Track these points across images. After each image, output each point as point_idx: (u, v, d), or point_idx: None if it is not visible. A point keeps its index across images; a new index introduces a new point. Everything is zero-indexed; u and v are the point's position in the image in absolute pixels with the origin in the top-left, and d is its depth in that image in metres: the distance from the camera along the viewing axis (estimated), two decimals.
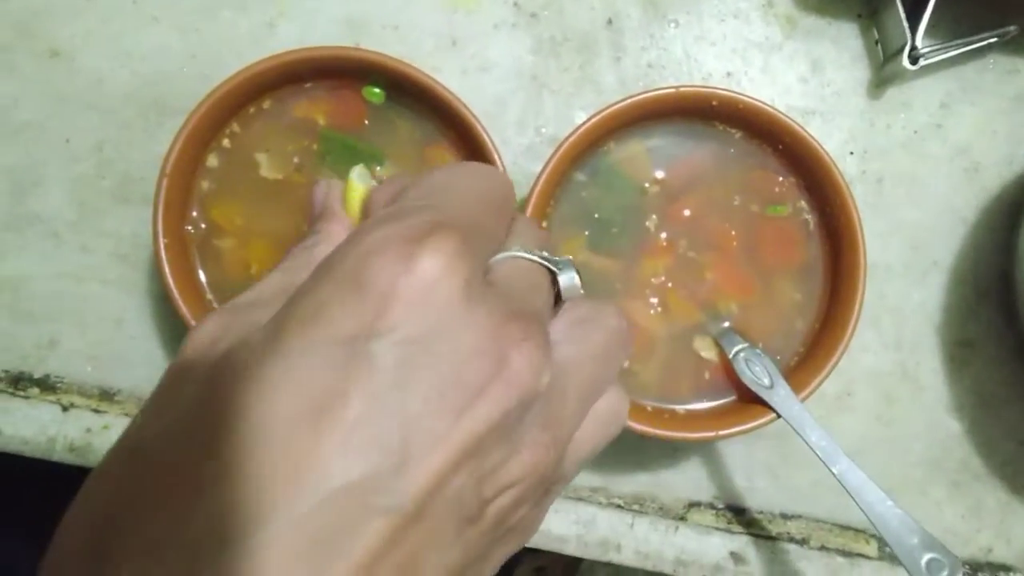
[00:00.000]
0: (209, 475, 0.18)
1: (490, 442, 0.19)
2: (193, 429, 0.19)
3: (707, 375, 0.43)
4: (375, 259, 0.20)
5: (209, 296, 0.42)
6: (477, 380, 0.19)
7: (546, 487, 0.22)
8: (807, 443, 0.40)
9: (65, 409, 0.47)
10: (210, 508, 0.17)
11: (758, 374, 0.41)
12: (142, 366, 0.48)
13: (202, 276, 0.42)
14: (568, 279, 0.25)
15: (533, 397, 0.20)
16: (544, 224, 0.43)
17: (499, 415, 0.19)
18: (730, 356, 0.42)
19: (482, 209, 0.24)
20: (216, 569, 0.17)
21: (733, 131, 0.43)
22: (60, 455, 0.47)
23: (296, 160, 0.43)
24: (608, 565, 1.36)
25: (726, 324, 0.43)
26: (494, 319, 0.20)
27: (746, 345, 0.42)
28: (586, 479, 0.49)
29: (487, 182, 0.26)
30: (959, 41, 0.48)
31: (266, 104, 0.43)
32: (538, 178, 0.41)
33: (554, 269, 0.25)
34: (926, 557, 0.36)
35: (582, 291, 0.26)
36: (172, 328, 0.48)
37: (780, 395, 0.41)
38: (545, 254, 0.25)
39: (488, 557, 0.21)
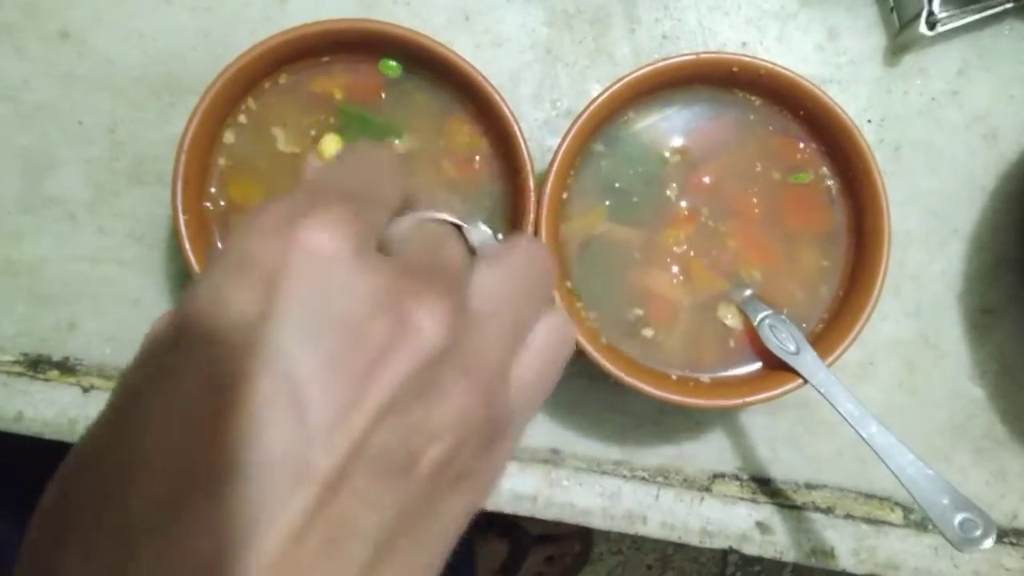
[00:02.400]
0: (137, 460, 0.18)
1: (405, 398, 0.19)
2: (123, 417, 0.20)
3: (732, 343, 0.43)
4: (259, 240, 0.20)
5: None
6: (380, 340, 0.19)
7: (492, 430, 0.22)
8: (836, 408, 0.40)
9: (86, 391, 0.47)
10: (140, 493, 0.18)
11: (784, 340, 0.41)
12: None
13: None
14: (478, 232, 0.25)
15: (442, 347, 0.20)
16: (565, 195, 0.43)
17: (407, 371, 0.19)
18: (755, 323, 0.42)
19: (371, 179, 0.24)
20: (145, 554, 0.17)
21: (753, 98, 0.43)
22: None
23: (313, 134, 0.43)
24: (618, 553, 1.36)
25: (749, 292, 0.43)
26: (389, 278, 0.20)
27: (771, 312, 0.42)
28: (609, 452, 0.49)
29: (375, 154, 0.25)
30: (976, 6, 0.48)
31: (282, 79, 0.42)
32: (557, 150, 0.41)
33: (459, 223, 0.25)
34: (959, 517, 0.36)
35: (499, 237, 0.26)
36: None
37: (807, 361, 0.40)
38: (446, 214, 0.25)
39: (438, 509, 0.21)
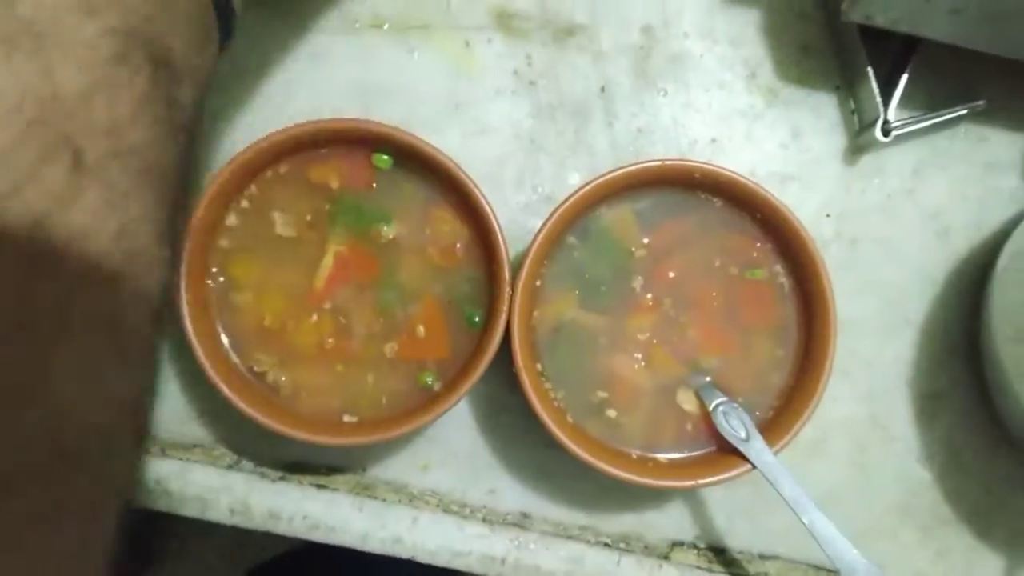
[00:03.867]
0: None
1: None
2: None
3: (689, 427, 0.46)
4: None
5: (227, 346, 0.46)
6: None
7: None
8: (780, 493, 0.43)
9: None
10: None
11: (735, 427, 0.44)
12: (162, 405, 0.51)
13: (220, 328, 0.46)
14: None
15: None
16: (538, 283, 0.46)
17: None
18: (710, 409, 0.45)
19: None
20: None
21: (714, 200, 0.47)
22: None
23: (308, 218, 0.46)
24: None
25: (707, 379, 0.46)
26: None
27: (725, 399, 0.45)
28: (575, 517, 0.52)
29: None
30: (931, 114, 0.52)
31: (283, 168, 0.46)
32: (533, 241, 0.45)
33: None
34: None
35: None
36: (191, 372, 0.51)
37: (755, 447, 0.44)
38: None
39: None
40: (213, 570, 1.27)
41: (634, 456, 0.46)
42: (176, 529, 1.26)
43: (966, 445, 0.53)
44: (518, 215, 0.52)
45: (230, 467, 0.51)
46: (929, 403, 0.53)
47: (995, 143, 0.53)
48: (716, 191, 0.46)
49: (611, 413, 0.46)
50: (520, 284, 0.44)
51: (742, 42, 0.53)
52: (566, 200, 0.45)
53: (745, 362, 0.47)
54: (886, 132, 0.50)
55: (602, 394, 0.46)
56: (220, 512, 0.50)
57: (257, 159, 0.45)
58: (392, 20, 0.53)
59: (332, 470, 0.52)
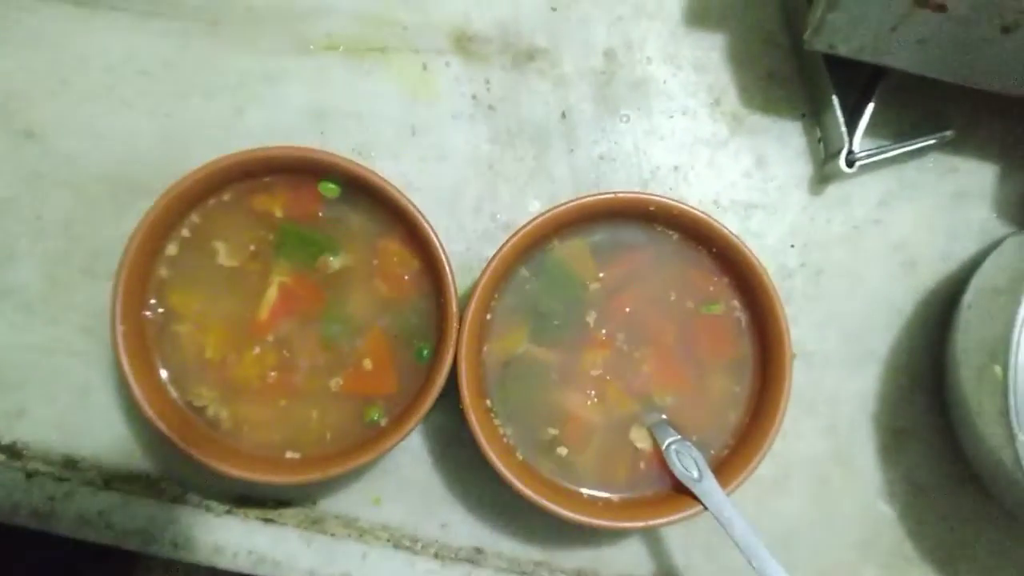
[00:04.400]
0: None
1: None
2: None
3: (642, 465, 0.45)
4: None
5: (165, 378, 0.44)
6: None
7: None
8: (730, 535, 0.42)
9: (29, 476, 0.49)
10: None
11: (688, 466, 0.43)
12: (105, 435, 0.50)
13: (159, 360, 0.44)
14: None
15: None
16: (488, 316, 0.45)
17: None
18: (663, 448, 0.44)
19: None
20: None
21: (671, 232, 0.46)
22: (23, 520, 0.49)
23: (252, 248, 0.45)
24: None
25: (661, 416, 0.45)
26: None
27: (678, 438, 0.44)
28: (530, 553, 0.50)
29: None
30: (897, 144, 0.50)
31: (226, 196, 0.45)
32: (482, 274, 0.43)
33: None
34: None
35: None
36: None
37: (707, 487, 0.43)
38: None
39: None
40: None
41: (585, 495, 0.45)
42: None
43: (930, 481, 0.51)
44: (475, 243, 0.51)
45: (175, 500, 0.50)
46: (893, 438, 0.51)
47: (964, 173, 0.52)
48: (672, 224, 0.45)
49: (562, 451, 0.45)
50: (468, 318, 0.43)
51: (706, 68, 0.52)
52: (517, 232, 0.43)
53: (701, 399, 0.46)
54: (850, 163, 0.49)
55: (553, 431, 0.45)
56: (163, 546, 0.49)
57: (198, 187, 0.43)
58: (347, 42, 0.51)
59: (280, 503, 0.50)
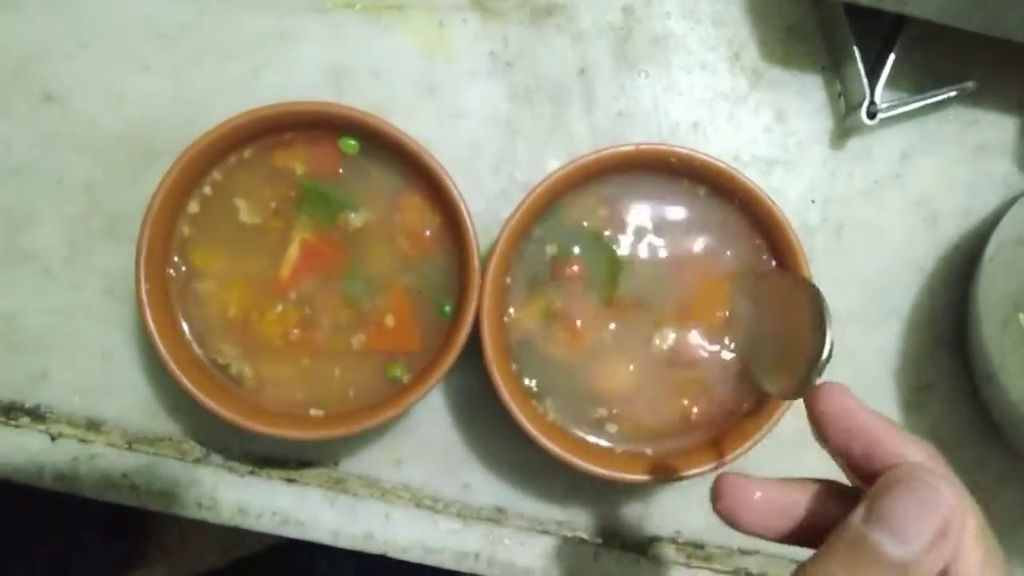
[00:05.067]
0: None
1: None
2: None
3: (693, 414, 0.45)
4: None
5: (188, 336, 0.44)
6: None
7: None
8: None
9: (54, 439, 0.49)
10: None
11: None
12: (127, 398, 0.50)
13: (182, 318, 0.44)
14: None
15: None
16: (508, 280, 0.45)
17: None
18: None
19: None
20: None
21: (695, 187, 0.45)
22: (48, 483, 0.49)
23: (273, 205, 0.45)
24: None
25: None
26: None
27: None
28: (551, 512, 0.51)
29: None
30: (919, 96, 0.50)
31: (247, 154, 0.45)
32: (500, 232, 0.43)
33: None
34: None
35: None
36: (156, 363, 0.49)
37: None
38: None
39: None
40: (213, 562, 1.26)
41: (618, 451, 0.45)
42: (176, 521, 1.25)
43: (953, 438, 0.51)
44: (494, 203, 0.51)
45: (198, 461, 0.50)
46: (915, 395, 0.51)
47: (985, 126, 0.52)
48: (694, 177, 0.45)
49: (611, 427, 0.45)
50: (490, 273, 0.43)
51: (725, 22, 0.52)
52: (534, 189, 0.43)
53: (728, 356, 0.45)
54: (872, 115, 0.49)
55: (602, 411, 0.45)
56: (187, 507, 0.49)
57: (219, 144, 0.43)
58: (364, 0, 0.51)
59: (303, 464, 0.50)
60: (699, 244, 0.46)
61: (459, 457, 0.51)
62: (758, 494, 0.30)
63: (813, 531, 0.30)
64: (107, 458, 0.49)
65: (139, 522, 1.20)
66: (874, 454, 0.29)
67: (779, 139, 0.52)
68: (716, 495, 0.30)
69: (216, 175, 0.45)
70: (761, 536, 0.30)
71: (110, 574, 1.12)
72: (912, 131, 0.52)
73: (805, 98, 0.52)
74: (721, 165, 0.44)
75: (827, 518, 0.29)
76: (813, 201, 0.51)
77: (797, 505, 0.30)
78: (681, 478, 0.44)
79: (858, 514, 0.26)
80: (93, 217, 0.50)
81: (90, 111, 0.50)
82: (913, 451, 0.29)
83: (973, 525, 0.28)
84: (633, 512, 0.51)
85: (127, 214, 0.50)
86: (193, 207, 0.45)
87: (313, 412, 0.45)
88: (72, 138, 0.50)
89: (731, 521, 0.30)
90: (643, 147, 0.43)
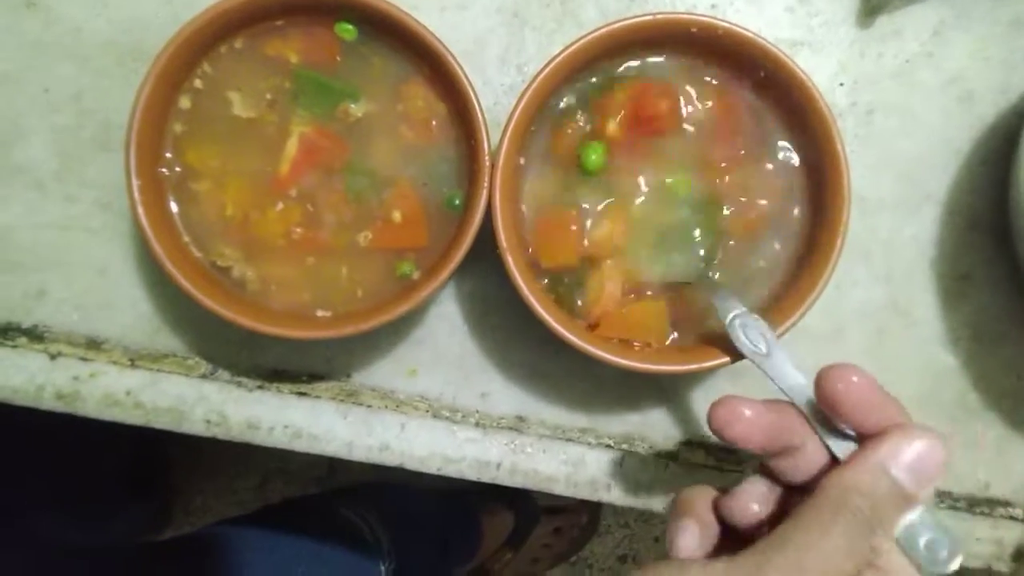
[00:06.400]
0: None
1: None
2: None
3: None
4: None
5: (186, 239, 0.42)
6: None
7: None
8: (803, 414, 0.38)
9: (53, 358, 0.47)
10: None
11: (755, 340, 0.40)
12: (128, 314, 0.48)
13: (179, 220, 0.42)
14: None
15: None
16: (522, 161, 0.42)
17: None
18: (725, 322, 0.40)
19: None
20: None
21: (715, 62, 0.42)
22: (48, 403, 0.47)
23: (269, 97, 0.42)
24: (625, 527, 1.36)
25: (721, 287, 0.42)
26: None
27: (743, 310, 0.40)
28: (574, 419, 0.48)
29: None
30: None
31: (237, 43, 0.42)
32: (509, 119, 0.40)
33: None
34: (924, 538, 0.34)
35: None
36: (158, 276, 0.48)
37: (776, 363, 0.38)
38: None
39: None
40: None
41: (636, 345, 0.42)
42: (200, 486, 1.25)
43: (994, 328, 0.49)
44: (502, 97, 0.48)
45: (204, 377, 0.48)
46: (954, 284, 0.49)
47: None
48: (714, 50, 0.42)
49: None
50: (501, 159, 0.40)
51: None
52: (550, 62, 0.41)
53: (749, 245, 0.43)
54: None
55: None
56: (195, 423, 0.47)
57: (205, 32, 0.41)
58: None
59: (314, 377, 0.48)
60: (725, 129, 0.43)
61: (476, 366, 0.48)
62: (748, 412, 0.33)
63: (785, 447, 0.34)
64: (109, 376, 0.47)
65: (162, 487, 1.20)
66: (882, 422, 0.33)
67: (803, 19, 0.49)
68: (711, 414, 0.34)
69: (206, 67, 0.42)
70: (746, 448, 0.34)
71: (135, 535, 1.12)
72: (943, 7, 0.49)
73: None
74: (745, 32, 0.41)
75: (795, 437, 0.34)
76: (841, 84, 0.48)
77: (774, 425, 0.34)
78: (715, 366, 0.41)
79: (875, 454, 0.31)
80: (83, 127, 0.48)
81: (74, 16, 0.48)
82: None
83: None
84: (660, 417, 0.48)
85: (119, 123, 0.47)
86: (184, 102, 0.42)
87: (320, 314, 0.42)
88: (56, 45, 0.48)
89: (720, 433, 0.34)
90: (659, 16, 0.40)
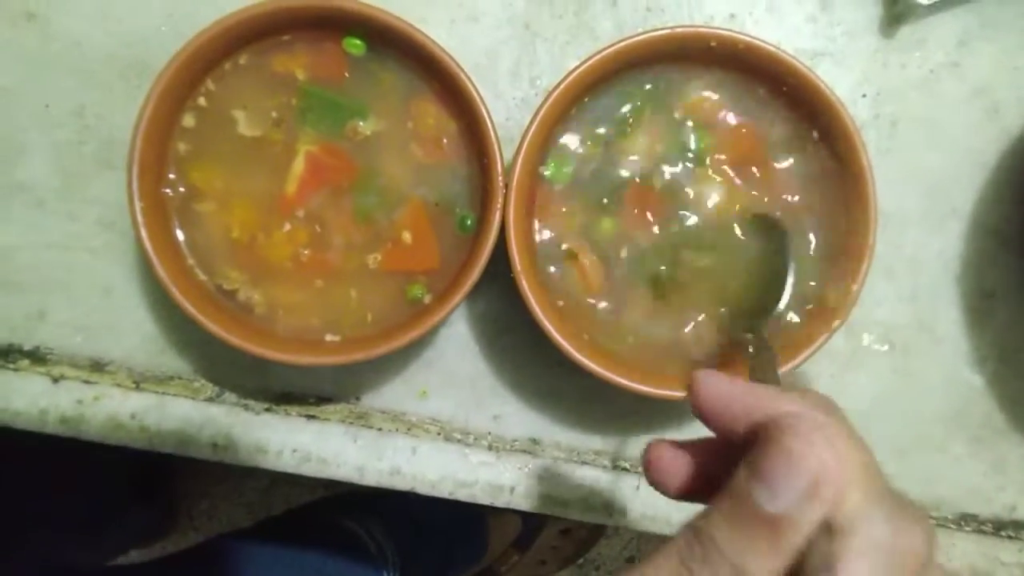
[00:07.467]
0: None
1: None
2: None
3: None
4: None
5: (191, 261, 0.41)
6: None
7: None
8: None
9: (56, 381, 0.46)
10: None
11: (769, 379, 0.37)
12: (132, 335, 0.47)
13: (183, 241, 0.41)
14: None
15: None
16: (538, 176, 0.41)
17: None
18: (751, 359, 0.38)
19: None
20: None
21: (736, 75, 0.41)
22: (52, 427, 0.46)
23: (275, 115, 0.41)
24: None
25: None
26: None
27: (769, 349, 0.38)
28: (589, 442, 0.47)
29: None
30: None
31: (242, 59, 0.41)
32: (523, 139, 0.39)
33: None
34: None
35: None
36: (162, 296, 0.46)
37: None
38: None
39: None
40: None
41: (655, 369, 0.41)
42: (206, 490, 1.24)
43: (1021, 346, 0.47)
44: (515, 112, 0.47)
45: (211, 399, 0.47)
46: (980, 301, 0.47)
47: None
48: (736, 64, 0.40)
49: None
50: (515, 178, 0.39)
51: None
52: (565, 78, 0.39)
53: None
54: None
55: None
56: (201, 448, 0.46)
57: (208, 49, 0.39)
58: None
59: (322, 399, 0.47)
60: (747, 139, 0.41)
61: (488, 387, 0.47)
62: (664, 456, 0.32)
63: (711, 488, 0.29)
64: (114, 399, 0.46)
65: (167, 491, 1.19)
66: (754, 417, 0.28)
67: (824, 29, 0.47)
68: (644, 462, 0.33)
69: (210, 84, 0.41)
70: (664, 493, 0.32)
71: (140, 541, 1.11)
72: (968, 15, 0.47)
73: None
74: (766, 46, 0.39)
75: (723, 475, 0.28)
76: (864, 95, 0.47)
77: (693, 465, 0.32)
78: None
79: (741, 471, 0.26)
80: (85, 143, 0.47)
81: (75, 29, 0.47)
82: (793, 406, 0.27)
83: (863, 478, 0.26)
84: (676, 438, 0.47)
85: (121, 139, 0.46)
86: (188, 120, 0.41)
87: (329, 338, 0.41)
88: (58, 59, 0.47)
89: (653, 484, 0.32)
90: (679, 30, 0.39)
